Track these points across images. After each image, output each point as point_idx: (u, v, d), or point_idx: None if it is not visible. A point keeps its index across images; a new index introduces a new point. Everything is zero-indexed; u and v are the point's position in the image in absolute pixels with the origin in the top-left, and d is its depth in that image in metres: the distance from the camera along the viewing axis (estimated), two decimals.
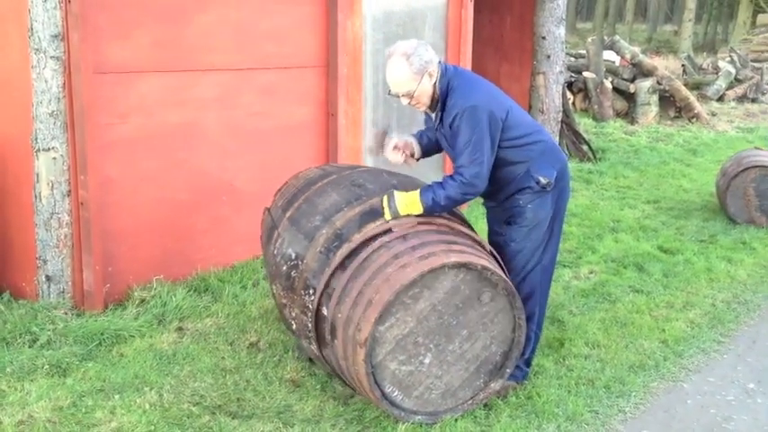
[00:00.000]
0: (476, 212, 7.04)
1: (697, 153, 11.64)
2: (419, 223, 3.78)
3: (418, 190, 3.80)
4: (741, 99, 16.27)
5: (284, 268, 3.93)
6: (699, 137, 12.77)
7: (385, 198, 3.79)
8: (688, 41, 28.62)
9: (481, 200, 4.23)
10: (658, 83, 13.75)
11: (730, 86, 16.37)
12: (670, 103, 13.94)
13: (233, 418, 3.74)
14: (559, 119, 9.86)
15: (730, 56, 18.88)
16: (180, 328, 4.73)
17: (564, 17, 9.63)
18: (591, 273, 6.05)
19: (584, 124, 11.99)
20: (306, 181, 4.30)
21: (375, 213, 3.83)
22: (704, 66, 18.53)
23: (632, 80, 13.94)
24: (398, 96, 3.85)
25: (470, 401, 3.85)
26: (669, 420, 3.98)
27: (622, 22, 45.16)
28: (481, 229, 4.40)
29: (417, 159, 4.20)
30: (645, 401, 4.14)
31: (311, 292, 3.75)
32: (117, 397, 3.88)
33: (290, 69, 5.98)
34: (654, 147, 11.76)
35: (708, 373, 4.52)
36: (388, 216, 3.75)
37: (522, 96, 9.81)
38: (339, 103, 6.26)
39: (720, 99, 15.94)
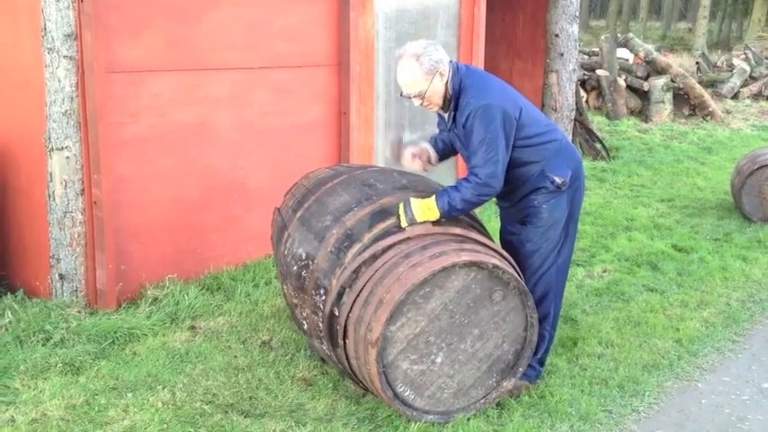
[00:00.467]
0: (488, 211, 7.03)
1: (711, 151, 11.57)
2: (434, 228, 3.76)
3: (433, 196, 3.77)
4: (756, 97, 16.16)
5: (295, 268, 3.93)
6: (713, 135, 12.69)
7: (401, 206, 3.75)
8: (702, 39, 28.45)
9: (495, 199, 4.20)
10: (672, 81, 13.67)
11: (745, 84, 16.27)
12: (684, 100, 13.86)
13: (245, 417, 3.74)
14: (572, 117, 9.82)
15: (745, 53, 18.78)
16: (192, 327, 4.74)
17: (577, 15, 9.59)
18: (604, 271, 6.02)
19: (597, 122, 11.94)
20: (316, 181, 4.29)
21: (386, 213, 3.81)
22: (719, 63, 18.42)
23: (646, 78, 13.88)
24: (410, 98, 3.82)
25: (483, 400, 3.83)
26: (683, 420, 3.95)
27: (636, 19, 44.98)
28: (494, 228, 4.38)
29: (435, 165, 4.18)
30: (659, 401, 4.11)
31: (322, 292, 3.74)
32: (130, 395, 3.89)
33: (303, 68, 5.98)
34: (668, 145, 11.69)
35: (722, 372, 4.48)
36: (404, 223, 3.71)
37: (535, 94, 9.78)
38: (351, 101, 6.25)
39: (735, 97, 15.84)
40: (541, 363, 4.17)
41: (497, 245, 4.02)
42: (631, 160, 10.47)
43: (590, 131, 10.61)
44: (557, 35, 9.40)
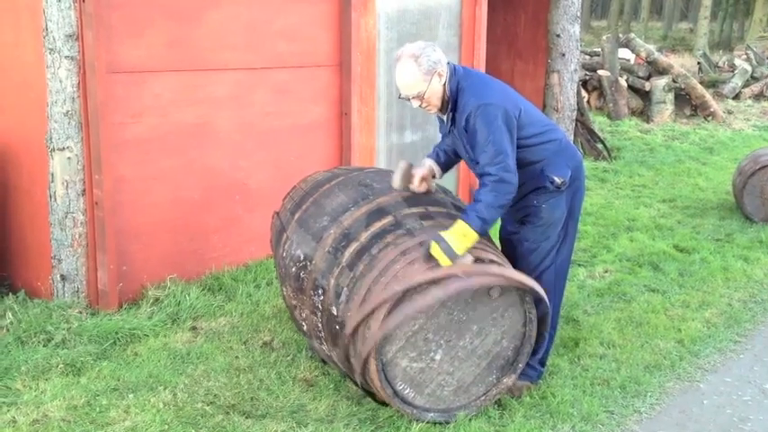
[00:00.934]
0: None
1: (713, 151, 11.57)
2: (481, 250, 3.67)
3: (459, 221, 3.61)
4: (757, 97, 16.15)
5: (293, 269, 3.93)
6: (715, 135, 12.68)
7: (435, 246, 3.52)
8: (704, 39, 28.43)
9: None
10: (674, 81, 13.67)
11: (746, 84, 16.26)
12: (686, 101, 13.86)
13: (246, 418, 3.74)
14: (574, 117, 9.82)
15: (746, 53, 18.77)
16: (194, 328, 4.74)
17: (579, 15, 9.59)
18: (606, 272, 6.01)
19: (598, 122, 11.93)
20: (314, 184, 4.30)
21: (382, 212, 3.82)
22: (720, 63, 18.43)
23: (647, 78, 13.87)
24: (409, 99, 3.81)
25: (483, 397, 3.83)
26: (685, 421, 3.95)
27: (638, 19, 44.96)
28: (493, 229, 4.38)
29: (439, 178, 4.16)
30: (660, 402, 4.11)
31: (320, 292, 3.75)
32: (131, 396, 3.89)
33: (304, 68, 5.98)
34: (669, 145, 11.69)
35: (724, 373, 4.48)
36: (447, 262, 3.50)
37: (536, 94, 9.78)
38: (352, 101, 6.25)
39: (736, 97, 15.84)
40: (542, 363, 4.16)
41: (494, 243, 4.03)
42: (633, 160, 10.47)
43: (591, 132, 10.60)
44: (558, 35, 9.40)
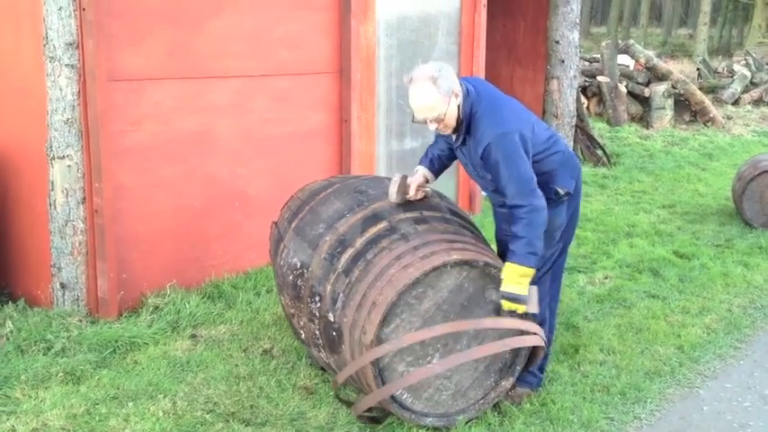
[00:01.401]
0: (488, 217, 7.01)
1: (712, 157, 11.57)
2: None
3: (510, 264, 3.59)
4: (757, 102, 16.15)
5: (291, 278, 3.95)
6: (714, 141, 12.69)
7: (505, 303, 3.59)
8: (703, 45, 28.45)
9: (490, 203, 4.20)
10: (673, 87, 13.67)
11: (746, 90, 16.25)
12: (685, 106, 13.86)
13: (246, 426, 3.74)
14: (573, 123, 9.84)
15: (745, 59, 18.77)
16: (194, 335, 4.74)
17: (578, 21, 9.61)
18: (606, 278, 6.01)
19: (598, 129, 11.93)
20: (310, 192, 4.32)
21: (377, 217, 3.83)
22: (719, 69, 18.42)
23: (647, 84, 13.87)
24: (425, 122, 3.71)
25: (482, 401, 3.83)
26: (685, 427, 3.95)
27: (637, 25, 44.99)
28: (489, 232, 4.38)
29: (431, 183, 4.16)
30: (661, 408, 4.11)
31: (317, 299, 3.75)
32: (131, 404, 3.89)
33: (304, 76, 5.99)
34: (669, 151, 11.69)
35: (724, 379, 4.48)
36: (523, 308, 3.59)
37: (536, 101, 9.79)
38: (352, 109, 6.26)
39: (736, 103, 15.83)
40: (541, 369, 4.16)
41: (489, 245, 4.04)
42: (632, 166, 10.48)
43: (591, 138, 10.61)
44: (557, 42, 9.42)
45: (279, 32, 5.74)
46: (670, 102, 13.49)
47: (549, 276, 4.04)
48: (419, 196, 3.98)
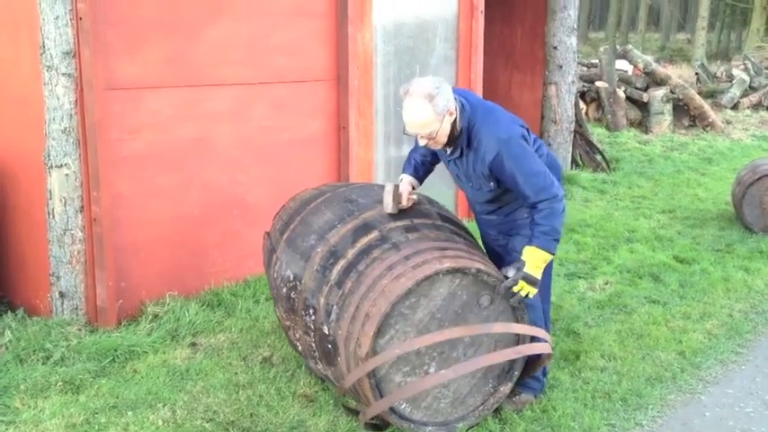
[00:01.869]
0: None
1: (712, 162, 11.57)
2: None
3: (535, 247, 3.64)
4: (756, 107, 16.17)
5: (284, 290, 3.94)
6: (713, 145, 12.69)
7: (522, 284, 3.63)
8: (701, 50, 28.49)
9: (473, 211, 4.20)
10: (672, 92, 13.68)
11: (745, 94, 16.27)
12: (684, 111, 13.86)
13: None
14: (572, 129, 9.84)
15: (744, 63, 18.80)
16: (193, 344, 4.72)
17: (575, 27, 9.62)
18: (606, 284, 6.00)
19: (597, 134, 11.94)
20: (301, 202, 4.30)
21: (368, 227, 3.82)
22: (718, 74, 18.43)
23: (645, 89, 13.88)
24: (416, 136, 3.73)
25: (481, 408, 3.82)
26: None
27: (635, 31, 45.07)
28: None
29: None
30: (662, 414, 4.09)
31: (311, 311, 3.74)
32: (130, 414, 3.87)
33: (301, 83, 5.98)
34: (668, 156, 11.69)
35: (726, 384, 4.46)
36: (534, 290, 3.66)
37: (534, 106, 9.78)
38: (350, 115, 6.25)
39: (735, 107, 15.85)
40: (544, 373, 4.15)
41: (481, 250, 4.03)
42: (632, 172, 10.47)
43: (590, 143, 10.61)
44: (555, 47, 9.42)
45: (276, 40, 5.74)
46: (669, 107, 13.50)
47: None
48: (410, 204, 3.98)
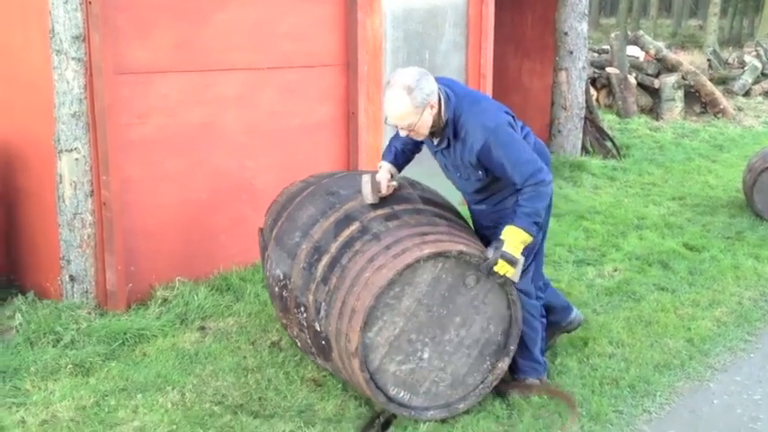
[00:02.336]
0: None
1: (723, 149, 11.50)
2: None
3: (515, 227, 3.64)
4: (767, 94, 16.05)
5: (276, 289, 3.97)
6: (725, 132, 12.61)
7: (502, 263, 3.60)
8: (713, 36, 28.27)
9: (465, 200, 4.20)
10: (683, 78, 13.59)
11: (757, 81, 16.14)
12: (695, 98, 13.78)
13: (254, 418, 3.75)
14: (582, 115, 9.79)
15: (756, 50, 18.63)
16: (202, 328, 4.74)
17: (587, 12, 9.56)
18: (615, 271, 5.99)
19: (608, 120, 11.88)
20: (288, 196, 4.29)
21: (349, 219, 3.81)
22: (730, 60, 18.29)
23: (657, 75, 13.79)
24: (396, 127, 3.74)
25: (481, 386, 3.83)
26: (695, 420, 3.93)
27: (646, 17, 44.79)
28: None
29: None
30: (670, 401, 4.09)
31: (302, 309, 3.77)
32: (139, 396, 3.90)
33: (310, 68, 5.97)
34: (679, 143, 11.63)
35: (734, 372, 4.45)
36: (512, 271, 3.63)
37: (544, 93, 9.74)
38: (359, 101, 6.24)
39: (747, 94, 15.73)
40: (542, 352, 4.16)
41: (467, 226, 4.02)
42: (642, 158, 10.42)
43: (600, 130, 10.56)
44: (566, 33, 9.37)
45: (285, 25, 5.73)
46: (680, 93, 13.40)
47: (532, 266, 4.03)
48: (390, 191, 3.95)
